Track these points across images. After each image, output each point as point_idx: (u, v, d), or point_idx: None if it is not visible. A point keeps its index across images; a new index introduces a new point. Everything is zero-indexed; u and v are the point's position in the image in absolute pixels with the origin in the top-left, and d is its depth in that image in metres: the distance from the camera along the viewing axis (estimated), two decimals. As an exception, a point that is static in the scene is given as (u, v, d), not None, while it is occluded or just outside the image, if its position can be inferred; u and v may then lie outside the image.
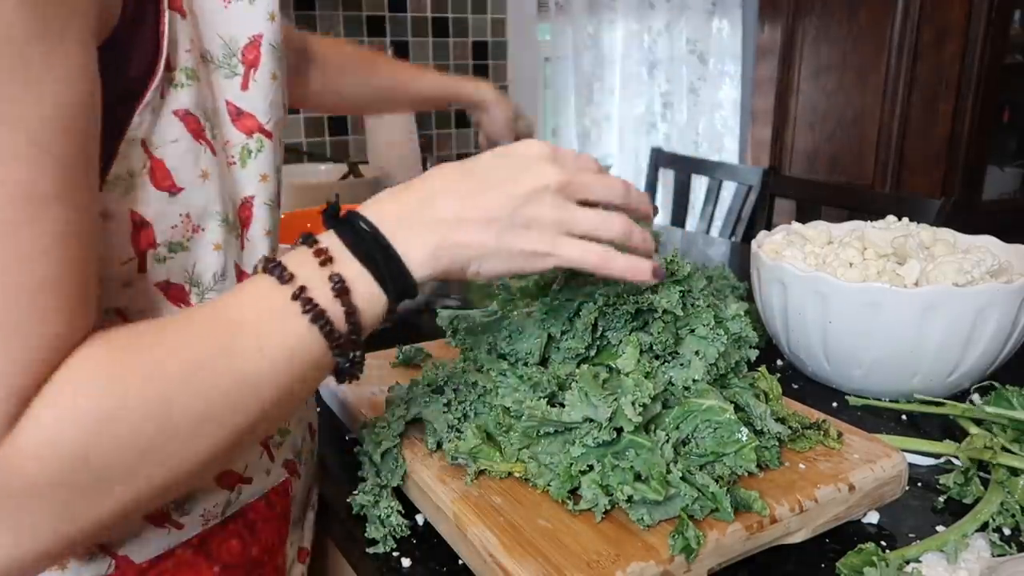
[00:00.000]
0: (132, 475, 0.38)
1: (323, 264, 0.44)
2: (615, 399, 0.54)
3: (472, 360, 0.68)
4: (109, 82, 0.40)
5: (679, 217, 2.21)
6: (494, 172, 0.49)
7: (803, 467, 0.59)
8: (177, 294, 0.50)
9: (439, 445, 0.61)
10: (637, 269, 0.52)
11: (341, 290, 0.43)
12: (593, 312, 0.61)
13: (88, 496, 0.37)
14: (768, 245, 0.93)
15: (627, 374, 0.57)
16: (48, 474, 0.35)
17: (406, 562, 0.58)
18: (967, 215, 2.38)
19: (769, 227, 1.24)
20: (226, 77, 0.52)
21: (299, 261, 0.44)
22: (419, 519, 0.63)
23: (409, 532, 0.60)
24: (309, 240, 0.45)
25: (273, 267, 0.43)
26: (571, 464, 0.54)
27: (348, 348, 0.44)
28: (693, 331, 0.61)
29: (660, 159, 2.33)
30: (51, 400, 0.36)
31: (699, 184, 2.31)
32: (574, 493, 0.54)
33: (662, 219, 2.72)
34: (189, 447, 0.39)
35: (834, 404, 0.84)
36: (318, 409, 0.82)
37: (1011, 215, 2.67)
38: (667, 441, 0.54)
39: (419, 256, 0.46)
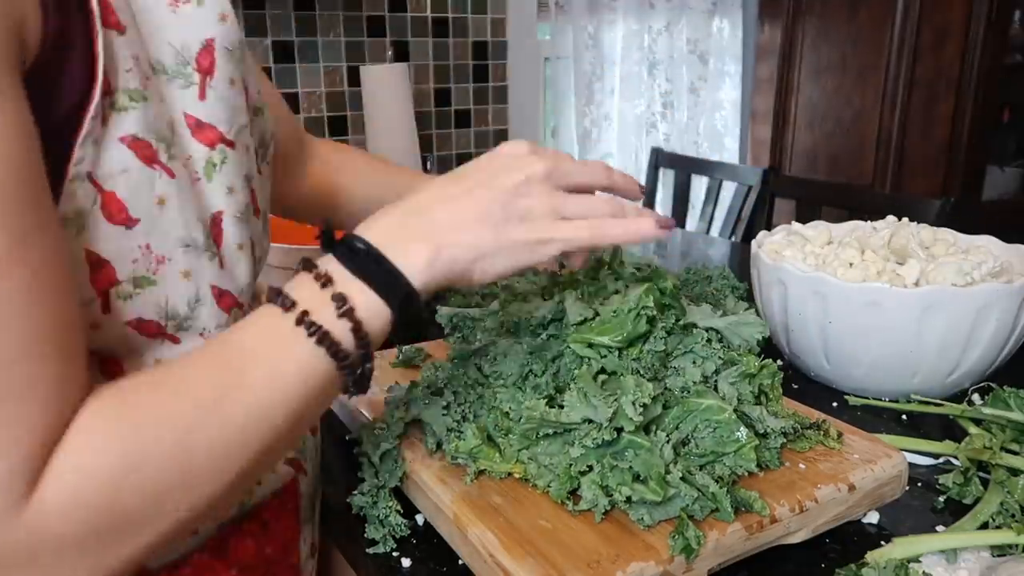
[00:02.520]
0: (158, 516, 0.39)
1: (324, 286, 0.45)
2: (615, 399, 0.54)
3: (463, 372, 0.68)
4: (39, 118, 0.37)
5: (679, 217, 2.21)
6: (481, 173, 0.50)
7: (803, 467, 0.59)
8: (152, 329, 0.47)
9: (439, 446, 0.61)
10: (637, 230, 0.52)
11: (344, 310, 0.44)
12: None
13: (117, 541, 0.38)
14: (768, 245, 0.93)
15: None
16: (75, 528, 0.37)
17: (406, 562, 0.58)
18: (967, 215, 2.38)
19: (769, 227, 1.24)
20: (181, 88, 0.47)
21: (300, 286, 0.45)
22: (419, 519, 0.63)
23: (409, 532, 0.60)
24: (308, 265, 0.47)
25: (275, 296, 0.45)
26: (570, 465, 0.54)
27: (358, 364, 0.46)
28: (689, 350, 0.61)
29: (660, 159, 2.33)
30: (68, 459, 0.37)
31: (699, 184, 2.31)
32: (574, 494, 0.54)
33: (662, 219, 2.72)
34: (210, 482, 0.41)
35: (834, 404, 0.84)
36: (318, 409, 0.82)
37: (1011, 215, 2.67)
38: (667, 442, 0.54)
39: (417, 264, 0.47)
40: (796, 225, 0.97)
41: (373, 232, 0.47)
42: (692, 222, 2.30)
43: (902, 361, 0.79)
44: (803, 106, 2.98)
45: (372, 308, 0.46)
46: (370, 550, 0.59)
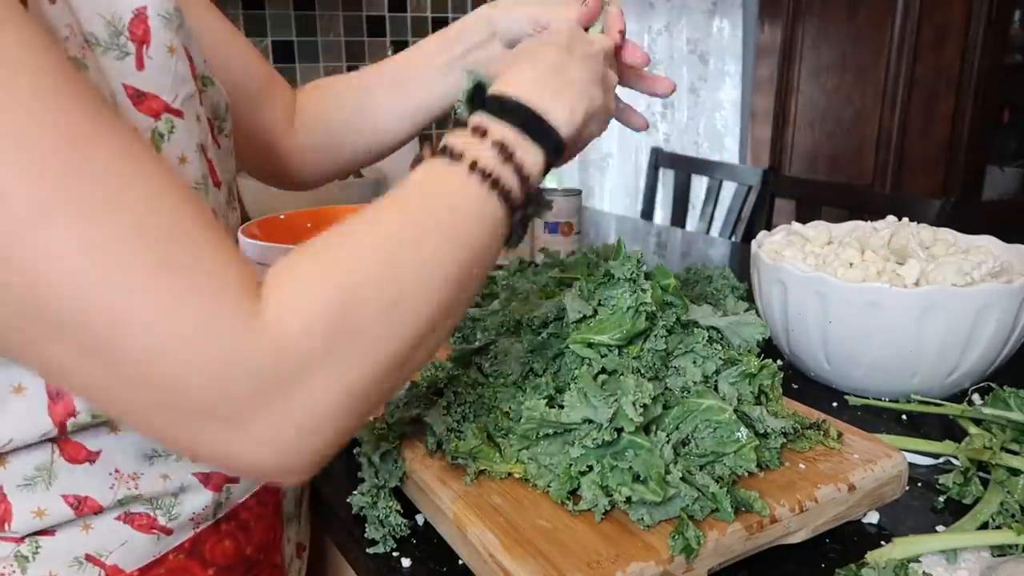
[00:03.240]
0: (383, 335, 0.41)
1: (481, 137, 0.48)
2: (615, 400, 0.54)
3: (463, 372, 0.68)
4: None
5: (679, 217, 2.21)
6: (572, 49, 0.55)
7: (803, 467, 0.59)
8: None
9: (439, 445, 0.61)
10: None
11: (506, 155, 0.48)
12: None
13: (353, 357, 0.39)
14: (768, 245, 0.93)
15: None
16: (312, 343, 0.38)
17: (406, 562, 0.58)
18: (967, 215, 2.38)
19: (769, 227, 1.24)
20: (117, 59, 0.46)
21: (459, 139, 0.48)
22: (419, 519, 0.63)
23: (409, 532, 0.60)
24: (458, 123, 0.50)
25: (441, 149, 0.47)
26: (570, 465, 0.54)
27: (523, 206, 0.49)
28: (690, 350, 0.61)
29: (660, 159, 2.33)
30: (285, 287, 0.39)
31: (699, 184, 2.31)
32: (574, 494, 0.54)
33: (662, 219, 2.72)
34: (421, 304, 0.42)
35: (834, 404, 0.84)
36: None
37: (1011, 215, 2.67)
38: (667, 442, 0.54)
39: (560, 114, 0.51)
40: (796, 225, 0.97)
41: (517, 88, 0.51)
42: (692, 222, 2.30)
43: (902, 361, 0.79)
44: (803, 106, 2.99)
45: (529, 153, 0.49)
46: (370, 550, 0.59)
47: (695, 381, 0.59)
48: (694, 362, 0.61)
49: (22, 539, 0.48)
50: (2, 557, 0.48)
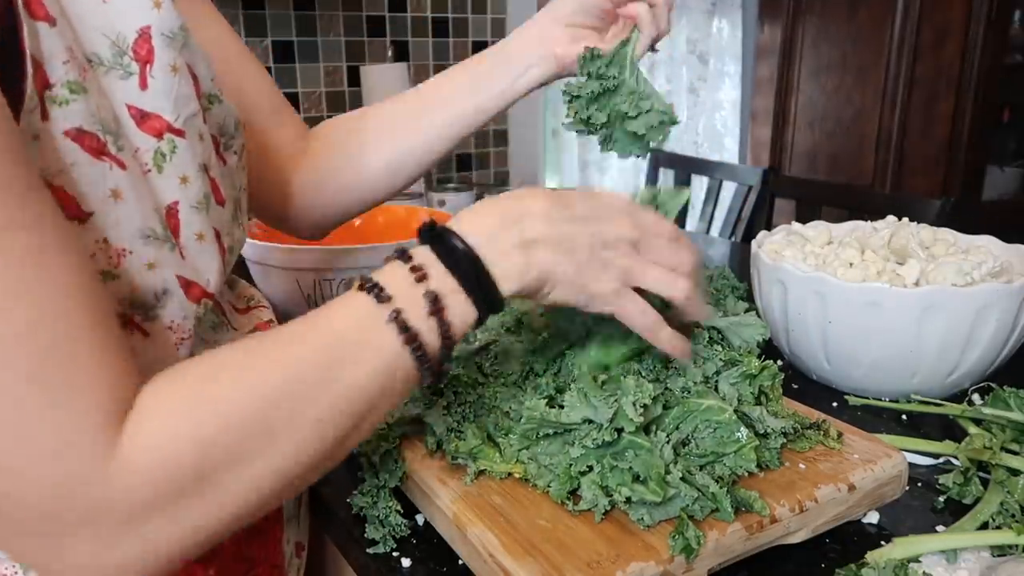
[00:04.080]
0: (237, 484, 0.40)
1: (419, 281, 0.45)
2: (615, 400, 0.54)
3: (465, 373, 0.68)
4: None
5: (679, 217, 2.21)
6: (581, 209, 0.50)
7: (803, 467, 0.59)
8: (120, 324, 0.46)
9: (439, 445, 0.61)
10: (678, 349, 0.54)
11: (435, 309, 0.45)
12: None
13: (203, 506, 0.39)
14: (768, 245, 0.93)
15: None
16: (161, 488, 0.37)
17: (406, 562, 0.58)
18: (967, 215, 2.38)
19: (769, 227, 1.24)
20: (120, 79, 0.46)
21: (395, 277, 0.45)
22: (419, 519, 0.63)
23: (409, 532, 0.60)
24: (404, 256, 0.46)
25: (371, 286, 0.44)
26: (570, 465, 0.54)
27: (437, 362, 0.46)
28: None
29: (660, 159, 2.33)
30: (147, 422, 0.38)
31: (699, 184, 2.31)
32: (574, 494, 0.54)
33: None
34: (288, 458, 0.41)
35: (834, 404, 0.84)
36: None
37: (1011, 215, 2.67)
38: (667, 442, 0.54)
39: (508, 273, 0.47)
40: (796, 225, 0.97)
41: (471, 230, 0.47)
42: (692, 222, 2.30)
43: (902, 361, 0.79)
44: (803, 106, 2.99)
45: (461, 310, 0.46)
46: (370, 550, 0.59)
47: (695, 381, 0.59)
48: (694, 362, 0.61)
49: None
50: (4, 558, 0.48)
